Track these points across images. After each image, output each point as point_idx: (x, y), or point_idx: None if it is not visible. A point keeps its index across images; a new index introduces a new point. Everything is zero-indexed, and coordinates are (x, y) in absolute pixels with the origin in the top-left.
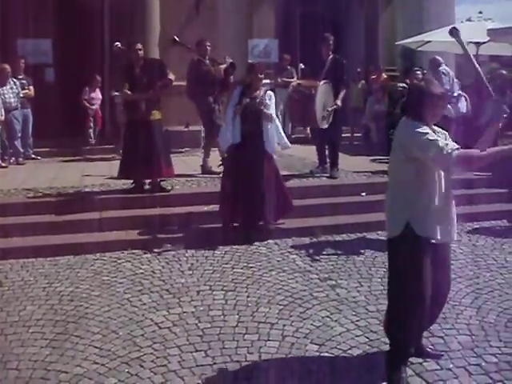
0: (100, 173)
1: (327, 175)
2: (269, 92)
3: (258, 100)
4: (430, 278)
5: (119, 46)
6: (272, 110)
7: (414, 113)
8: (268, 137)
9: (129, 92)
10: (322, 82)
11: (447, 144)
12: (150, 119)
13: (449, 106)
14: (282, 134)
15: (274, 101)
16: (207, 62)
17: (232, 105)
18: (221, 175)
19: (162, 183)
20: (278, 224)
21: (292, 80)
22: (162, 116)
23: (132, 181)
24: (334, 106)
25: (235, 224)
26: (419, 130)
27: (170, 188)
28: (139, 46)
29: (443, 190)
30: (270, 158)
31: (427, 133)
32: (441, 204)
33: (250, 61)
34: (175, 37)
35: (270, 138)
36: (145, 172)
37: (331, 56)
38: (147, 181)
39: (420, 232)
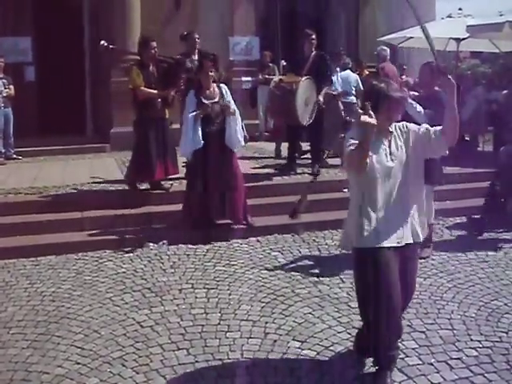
0: (81, 172)
1: (309, 172)
2: (222, 85)
3: (218, 100)
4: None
5: (105, 44)
6: (232, 105)
7: None
8: (231, 133)
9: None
10: (303, 78)
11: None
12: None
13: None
14: (242, 129)
15: (229, 92)
16: (195, 56)
17: (189, 111)
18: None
19: (161, 182)
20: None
21: (274, 77)
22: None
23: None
24: (317, 101)
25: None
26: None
27: (168, 186)
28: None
29: (379, 197)
30: (232, 155)
31: (349, 140)
32: (382, 211)
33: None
34: (103, 42)
35: (233, 133)
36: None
37: (314, 52)
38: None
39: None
